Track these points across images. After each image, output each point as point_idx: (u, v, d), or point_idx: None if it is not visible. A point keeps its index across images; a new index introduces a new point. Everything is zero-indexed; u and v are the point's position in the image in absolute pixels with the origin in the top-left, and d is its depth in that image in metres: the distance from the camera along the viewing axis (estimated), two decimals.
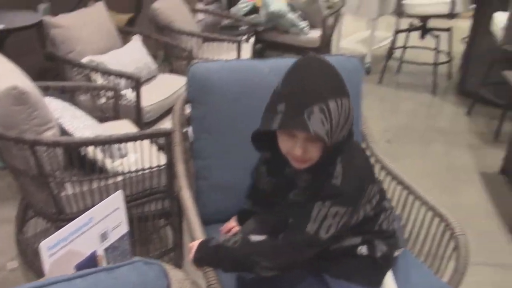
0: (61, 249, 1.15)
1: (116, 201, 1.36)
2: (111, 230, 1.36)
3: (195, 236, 1.50)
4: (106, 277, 0.84)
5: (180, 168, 1.77)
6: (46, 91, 2.44)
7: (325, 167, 1.26)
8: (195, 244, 1.36)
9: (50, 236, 1.16)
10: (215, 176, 1.80)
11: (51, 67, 3.77)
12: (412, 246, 1.82)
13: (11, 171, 2.11)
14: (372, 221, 1.42)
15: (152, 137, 2.07)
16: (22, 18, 3.36)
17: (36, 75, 2.63)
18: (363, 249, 1.41)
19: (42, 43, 3.67)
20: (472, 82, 4.34)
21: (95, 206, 1.30)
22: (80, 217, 1.25)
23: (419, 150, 3.62)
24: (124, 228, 1.40)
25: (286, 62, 1.89)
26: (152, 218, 2.27)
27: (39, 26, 3.30)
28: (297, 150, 1.23)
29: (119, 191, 1.37)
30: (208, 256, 1.32)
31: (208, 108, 1.74)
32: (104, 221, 1.32)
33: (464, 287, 2.34)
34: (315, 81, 1.21)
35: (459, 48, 5.38)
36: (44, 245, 1.14)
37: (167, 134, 2.05)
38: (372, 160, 1.97)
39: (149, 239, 2.34)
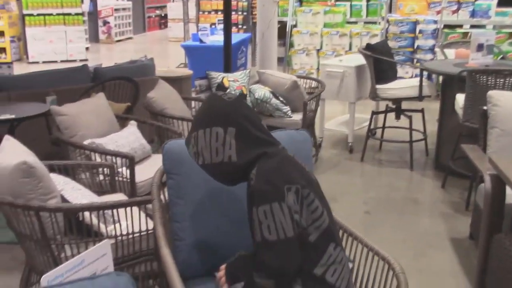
0: (59, 283, 1.43)
1: (104, 248, 1.66)
2: (100, 272, 1.64)
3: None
4: (88, 283, 1.14)
5: (160, 230, 2.05)
6: (52, 170, 2.79)
7: (248, 174, 1.61)
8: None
9: (51, 271, 1.46)
10: (191, 236, 2.07)
11: (57, 152, 4.16)
12: (360, 285, 2.08)
13: (17, 236, 2.41)
14: (312, 255, 1.56)
15: (140, 204, 2.39)
16: (32, 109, 3.80)
17: (43, 158, 2.99)
18: None
19: (49, 130, 4.09)
20: (445, 157, 4.69)
21: (86, 251, 1.60)
22: (74, 258, 1.55)
23: (395, 220, 3.90)
24: (111, 271, 1.69)
25: None
26: (142, 279, 2.53)
27: (47, 115, 3.74)
28: None
29: (106, 239, 1.68)
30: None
31: (181, 177, 2.05)
32: (94, 264, 1.62)
33: None
34: (197, 115, 1.68)
35: (435, 126, 5.79)
36: (45, 279, 1.44)
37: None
38: None
39: None
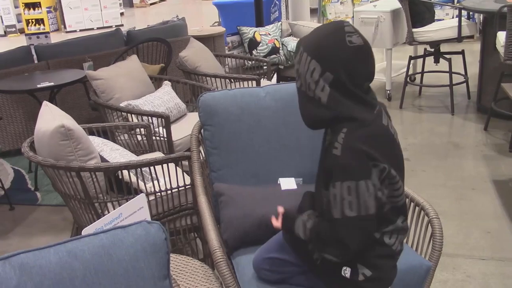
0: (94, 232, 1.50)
1: (140, 201, 1.72)
2: None
3: (207, 230, 1.84)
4: (121, 232, 1.19)
5: (198, 180, 2.13)
6: (91, 133, 2.89)
7: (333, 132, 1.45)
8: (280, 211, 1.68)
9: (91, 225, 1.53)
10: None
11: (97, 117, 4.28)
12: None
13: (62, 197, 2.52)
14: (379, 223, 1.51)
15: (176, 160, 2.45)
16: (69, 75, 3.90)
17: (84, 123, 3.09)
18: (346, 271, 1.54)
19: (88, 95, 4.19)
20: (487, 98, 4.55)
21: (123, 205, 1.66)
22: (112, 212, 1.62)
23: (436, 164, 3.84)
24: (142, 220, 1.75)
25: (280, 86, 2.26)
26: (183, 232, 2.62)
27: (85, 81, 3.83)
28: None
29: (141, 194, 1.73)
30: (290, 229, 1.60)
31: (215, 128, 2.11)
32: (131, 217, 1.68)
33: (475, 280, 2.59)
34: (314, 34, 1.48)
35: (477, 68, 5.59)
36: (85, 231, 1.51)
37: (189, 158, 2.42)
38: None
39: (182, 251, 2.68)
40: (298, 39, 4.73)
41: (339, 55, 1.42)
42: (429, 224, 1.90)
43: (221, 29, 5.80)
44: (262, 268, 1.76)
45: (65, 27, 11.55)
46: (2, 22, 11.41)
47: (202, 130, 2.20)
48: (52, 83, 3.69)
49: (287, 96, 2.22)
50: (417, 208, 2.00)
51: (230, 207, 1.98)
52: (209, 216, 1.90)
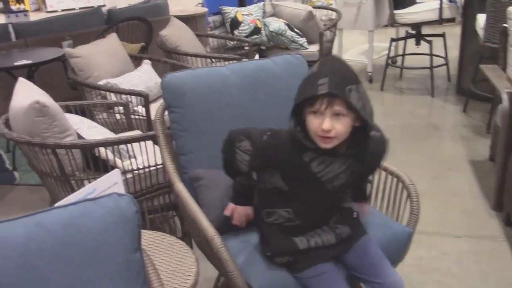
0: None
1: (114, 177, 1.72)
2: None
3: (198, 218, 1.75)
4: (91, 204, 1.19)
5: (170, 166, 2.06)
6: (68, 111, 2.85)
7: (362, 143, 1.56)
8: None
9: (63, 200, 1.53)
10: (198, 168, 2.04)
11: (76, 96, 4.23)
12: (375, 202, 2.12)
13: (38, 175, 2.51)
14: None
15: (153, 138, 2.43)
16: (48, 53, 3.84)
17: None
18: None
19: (67, 75, 4.14)
20: (467, 81, 4.59)
21: (97, 180, 1.66)
22: (85, 187, 1.61)
23: (415, 145, 3.88)
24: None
25: (243, 64, 2.24)
26: (161, 210, 2.62)
27: (64, 59, 3.78)
28: (325, 124, 1.42)
29: (116, 169, 1.73)
30: None
31: (183, 110, 2.02)
32: (105, 192, 1.68)
33: (449, 257, 2.64)
34: (349, 69, 1.49)
35: (458, 51, 5.62)
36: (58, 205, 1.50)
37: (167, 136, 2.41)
38: None
39: (160, 229, 2.68)
40: (281, 19, 4.72)
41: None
42: (404, 190, 1.95)
43: (203, 9, 5.74)
44: None
45: (46, 7, 11.34)
46: None
47: (166, 113, 2.08)
48: (30, 61, 3.64)
49: (252, 73, 2.14)
50: (390, 176, 2.03)
51: (210, 189, 1.94)
52: (194, 203, 1.84)
